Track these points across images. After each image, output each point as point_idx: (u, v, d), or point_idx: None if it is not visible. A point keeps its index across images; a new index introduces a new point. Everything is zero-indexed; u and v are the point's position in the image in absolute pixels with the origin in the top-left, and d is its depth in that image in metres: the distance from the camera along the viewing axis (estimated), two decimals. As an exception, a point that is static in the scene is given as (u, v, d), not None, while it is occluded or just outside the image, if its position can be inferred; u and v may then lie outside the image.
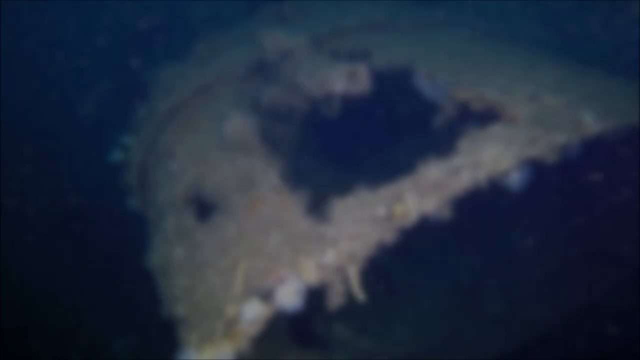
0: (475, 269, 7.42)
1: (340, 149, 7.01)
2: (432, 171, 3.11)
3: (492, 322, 7.12)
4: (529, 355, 6.86)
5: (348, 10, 5.97)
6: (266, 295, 2.90)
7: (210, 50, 5.84)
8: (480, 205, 6.88)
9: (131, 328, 7.84)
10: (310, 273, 2.87)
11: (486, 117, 4.13)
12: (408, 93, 4.98)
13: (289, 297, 2.79)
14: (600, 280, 6.99)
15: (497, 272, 7.45)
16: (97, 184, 7.50)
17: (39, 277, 7.72)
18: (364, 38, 5.46)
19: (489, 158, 3.24)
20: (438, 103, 4.52)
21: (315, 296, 3.25)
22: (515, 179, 3.54)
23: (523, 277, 7.37)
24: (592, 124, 3.69)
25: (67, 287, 7.88)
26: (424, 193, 3.04)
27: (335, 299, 3.03)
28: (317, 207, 3.33)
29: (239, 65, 5.25)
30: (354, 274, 2.94)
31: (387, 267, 7.27)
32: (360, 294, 3.00)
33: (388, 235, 2.95)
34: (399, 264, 7.29)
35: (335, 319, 5.98)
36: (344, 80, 3.77)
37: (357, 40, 5.44)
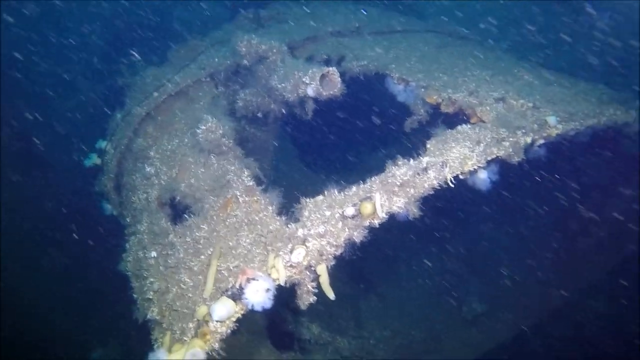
0: (453, 268, 7.54)
1: (316, 150, 7.08)
2: (400, 171, 3.18)
3: (470, 322, 7.24)
4: (507, 355, 6.97)
5: (324, 16, 6.07)
6: (236, 295, 2.92)
7: (187, 54, 5.87)
8: (453, 204, 7.04)
9: (110, 336, 7.73)
10: (279, 272, 2.90)
11: (456, 118, 4.25)
12: (381, 96, 5.09)
13: (258, 295, 2.81)
14: (575, 279, 7.17)
15: (476, 271, 7.58)
16: (74, 189, 7.42)
17: (15, 286, 7.56)
18: (339, 43, 5.54)
19: (456, 157, 3.33)
20: (410, 106, 4.63)
21: (287, 296, 3.28)
22: (484, 178, 3.64)
23: (502, 276, 7.51)
24: (556, 125, 3.82)
25: (44, 295, 7.74)
26: (392, 192, 3.11)
27: (306, 298, 3.05)
28: (288, 207, 3.37)
29: (216, 70, 5.28)
30: (323, 272, 2.99)
31: (364, 267, 7.37)
32: (330, 292, 3.04)
33: (357, 234, 3.01)
34: (376, 263, 7.38)
35: (314, 321, 6.00)
36: (316, 83, 3.83)
37: (332, 45, 5.53)
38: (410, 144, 3.77)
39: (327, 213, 3.08)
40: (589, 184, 6.62)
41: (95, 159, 5.54)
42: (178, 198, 4.05)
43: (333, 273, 6.74)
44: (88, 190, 5.62)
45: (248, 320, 5.63)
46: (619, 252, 6.76)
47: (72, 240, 7.17)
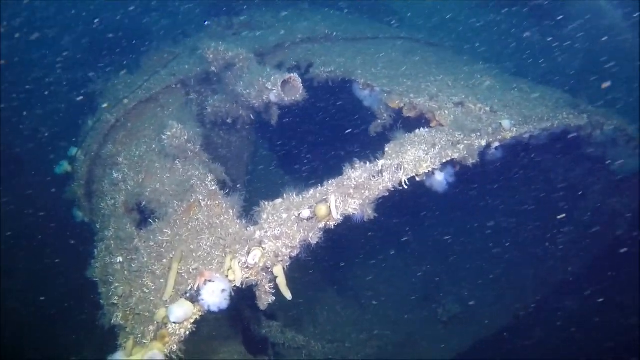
0: (429, 270, 7.67)
1: (291, 155, 7.18)
2: (356, 173, 3.28)
3: (445, 323, 7.35)
4: (483, 355, 7.09)
5: (295, 24, 6.19)
6: (194, 297, 2.97)
7: (159, 61, 5.93)
8: (426, 205, 7.16)
9: (85, 345, 7.66)
10: (235, 273, 2.96)
11: (418, 122, 4.37)
12: (348, 101, 5.21)
13: (214, 296, 2.87)
14: (548, 278, 7.34)
15: (449, 272, 7.71)
16: (47, 196, 7.39)
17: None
18: (308, 50, 5.66)
19: (410, 160, 3.43)
20: (375, 110, 4.75)
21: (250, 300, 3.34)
22: (440, 180, 3.75)
23: (475, 276, 7.66)
24: (510, 128, 3.96)
25: (18, 305, 7.65)
26: (347, 194, 3.20)
27: (264, 298, 3.12)
28: (249, 211, 3.44)
29: (186, 77, 5.34)
30: (279, 273, 3.05)
31: (340, 271, 7.45)
32: (287, 293, 3.10)
33: (312, 235, 3.08)
34: (352, 267, 7.47)
35: (288, 325, 6.04)
36: (278, 89, 3.92)
37: (302, 52, 5.64)
38: (376, 148, 3.87)
39: (284, 215, 3.16)
40: (559, 185, 6.82)
41: (66, 167, 5.54)
42: (144, 203, 4.09)
43: (308, 277, 6.78)
44: (59, 197, 5.61)
45: (222, 326, 5.68)
46: (591, 250, 6.95)
47: (45, 249, 7.12)
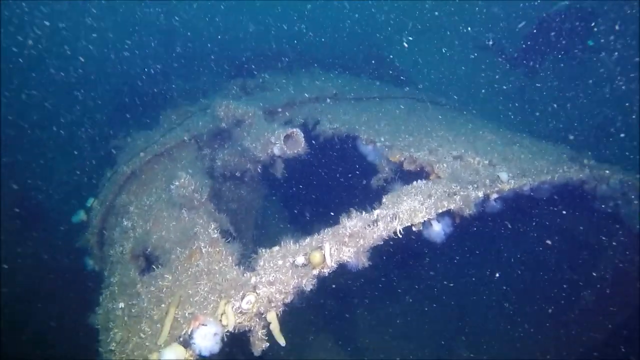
0: (438, 327, 7.37)
1: (302, 209, 7.30)
2: (351, 222, 3.35)
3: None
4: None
5: (304, 85, 6.57)
6: (187, 341, 2.99)
7: (177, 119, 6.31)
8: (426, 257, 7.03)
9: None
10: (228, 318, 2.98)
11: (417, 175, 4.48)
12: (352, 155, 5.39)
13: (206, 340, 2.88)
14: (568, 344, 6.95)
15: (462, 330, 7.39)
16: (63, 245, 7.61)
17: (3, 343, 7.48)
18: (315, 109, 5.96)
19: (405, 210, 3.50)
20: (377, 165, 4.90)
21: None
22: (438, 231, 3.78)
23: (489, 325, 7.33)
24: (507, 180, 4.02)
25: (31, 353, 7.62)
26: (342, 242, 3.26)
27: (258, 344, 3.10)
28: (248, 258, 3.51)
29: (199, 132, 5.66)
30: (273, 319, 3.06)
31: (348, 318, 7.24)
32: (281, 339, 3.08)
33: (305, 282, 3.11)
34: (360, 311, 7.26)
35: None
36: (281, 143, 4.12)
37: (309, 110, 5.94)
38: (377, 200, 3.97)
39: (280, 262, 3.22)
40: (571, 241, 6.67)
41: (82, 215, 5.78)
42: (149, 249, 4.21)
43: (312, 332, 6.60)
44: (73, 246, 5.79)
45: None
46: (615, 313, 6.61)
47: (57, 297, 7.21)
